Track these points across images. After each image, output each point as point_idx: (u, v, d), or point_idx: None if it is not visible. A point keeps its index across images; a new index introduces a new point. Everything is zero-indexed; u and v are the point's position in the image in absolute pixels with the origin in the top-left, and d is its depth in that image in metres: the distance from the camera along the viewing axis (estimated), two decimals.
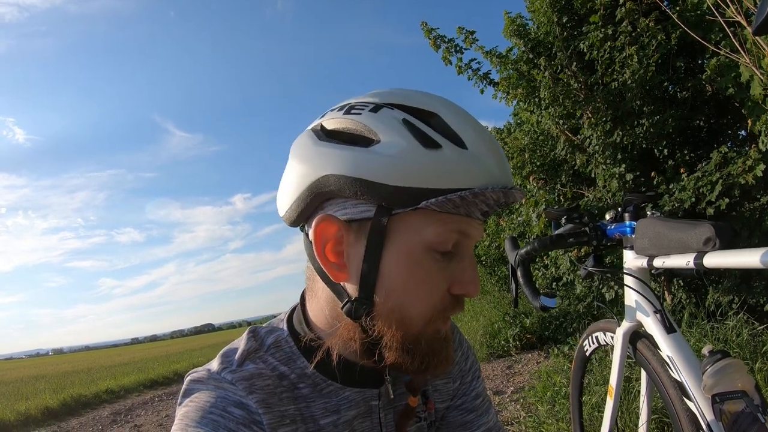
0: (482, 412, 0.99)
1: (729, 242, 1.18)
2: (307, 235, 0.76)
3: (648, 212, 1.59)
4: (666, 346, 1.42)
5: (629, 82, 4.29)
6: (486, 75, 5.53)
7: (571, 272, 5.09)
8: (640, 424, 1.84)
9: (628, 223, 1.64)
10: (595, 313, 5.59)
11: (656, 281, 4.34)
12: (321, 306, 0.77)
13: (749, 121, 3.53)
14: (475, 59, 5.50)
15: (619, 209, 1.72)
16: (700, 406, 1.26)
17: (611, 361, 1.75)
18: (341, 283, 0.71)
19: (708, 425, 1.22)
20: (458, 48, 5.44)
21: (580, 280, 5.03)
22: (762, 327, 3.40)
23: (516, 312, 6.98)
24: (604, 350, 3.83)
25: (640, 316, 1.57)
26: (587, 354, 2.01)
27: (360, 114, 0.70)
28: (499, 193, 0.66)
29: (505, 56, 5.42)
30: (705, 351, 1.26)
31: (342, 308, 0.71)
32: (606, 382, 3.32)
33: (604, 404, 2.21)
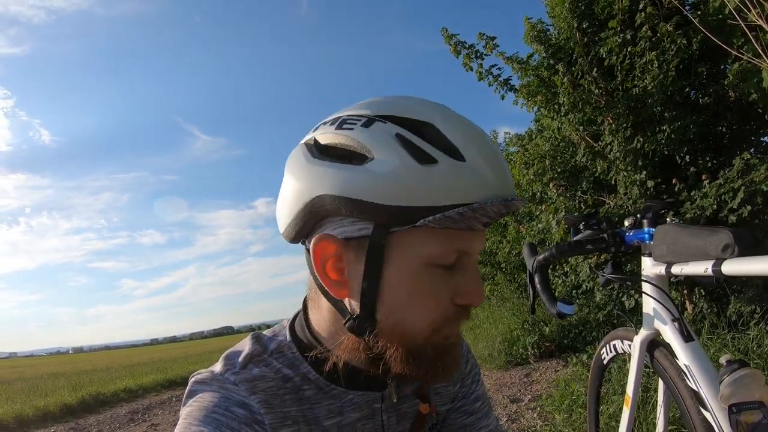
0: (482, 416, 0.99)
1: (749, 249, 1.16)
2: (308, 249, 0.75)
3: (668, 219, 1.57)
4: (683, 355, 1.40)
5: (650, 87, 4.25)
6: (507, 81, 5.53)
7: (590, 280, 5.04)
8: None
9: (646, 229, 1.62)
10: (615, 321, 5.52)
11: (677, 290, 4.28)
12: (324, 318, 0.78)
13: None
14: (496, 65, 5.50)
15: (638, 216, 1.70)
16: (716, 416, 1.23)
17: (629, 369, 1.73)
18: (343, 300, 0.72)
19: None
20: (479, 54, 5.45)
21: (600, 288, 4.97)
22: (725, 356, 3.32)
23: (535, 319, 6.90)
24: (623, 359, 3.80)
25: (658, 325, 1.55)
26: (605, 362, 1.99)
27: (352, 129, 0.68)
28: (499, 206, 0.64)
29: (526, 62, 5.42)
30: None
31: (345, 324, 0.71)
32: (624, 391, 3.29)
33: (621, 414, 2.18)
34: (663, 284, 1.56)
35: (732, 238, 1.17)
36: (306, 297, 0.84)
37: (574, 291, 6.19)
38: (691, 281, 1.53)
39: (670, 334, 1.47)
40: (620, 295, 4.69)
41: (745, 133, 4.74)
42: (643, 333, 1.63)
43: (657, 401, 1.81)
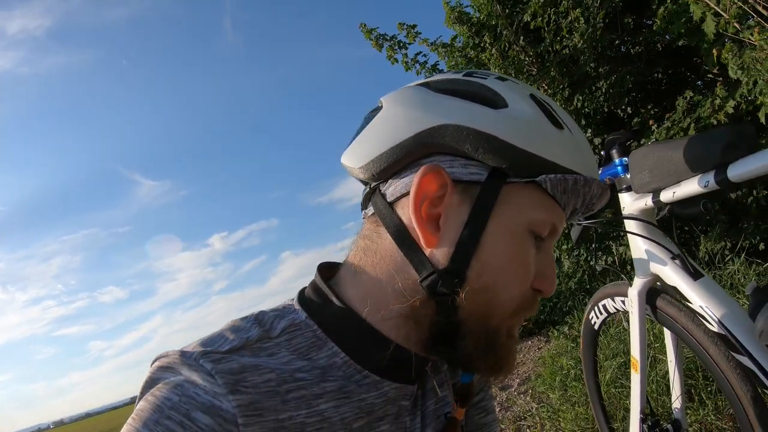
0: (496, 417, 0.87)
1: (754, 147, 0.94)
2: (382, 194, 0.66)
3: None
4: (696, 296, 1.16)
5: (580, 45, 4.18)
6: (434, 66, 5.39)
7: (554, 249, 4.89)
8: (673, 397, 1.57)
9: (618, 161, 1.39)
10: (588, 287, 5.39)
11: None
12: (379, 281, 0.64)
13: (714, 56, 3.36)
14: (421, 53, 5.37)
15: (602, 153, 1.48)
16: (757, 358, 1.00)
17: (628, 329, 1.49)
18: (428, 251, 0.62)
19: None
20: (402, 44, 5.31)
21: (567, 256, 4.84)
22: (752, 281, 3.19)
23: None
24: (608, 322, 3.59)
25: (655, 268, 1.31)
26: (596, 327, 1.75)
27: (485, 78, 0.66)
28: (599, 189, 0.66)
29: (451, 45, 5.34)
30: (749, 290, 1.01)
31: (421, 281, 0.61)
32: (616, 355, 3.08)
33: (621, 380, 1.94)
34: (651, 218, 1.33)
35: (734, 135, 0.94)
36: (322, 267, 0.72)
37: None
38: (666, 221, 1.33)
39: (673, 275, 1.23)
40: (589, 259, 4.58)
41: (682, 75, 4.72)
42: (638, 282, 1.39)
43: (664, 359, 1.58)
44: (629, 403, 1.56)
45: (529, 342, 5.75)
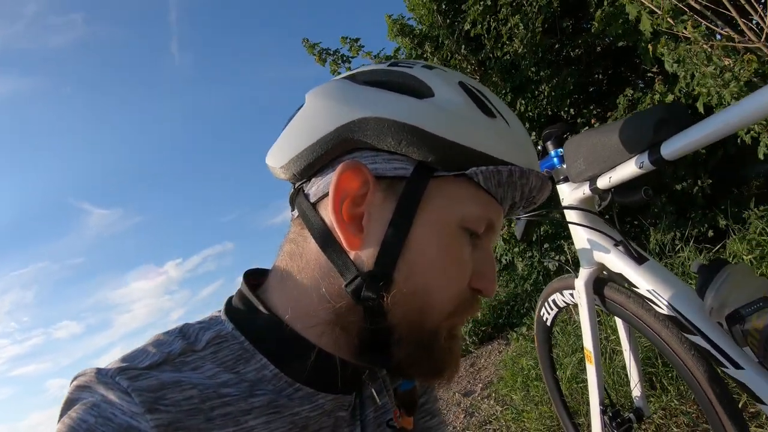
0: (442, 420, 0.83)
1: (687, 124, 0.92)
2: (305, 195, 0.63)
3: None
4: (642, 280, 1.14)
5: (520, 50, 4.32)
6: None
7: (507, 252, 4.92)
8: (632, 384, 1.56)
9: (553, 152, 1.38)
10: (543, 288, 5.43)
11: None
12: (305, 287, 0.61)
13: (650, 51, 3.45)
14: (364, 65, 5.43)
15: (539, 147, 1.46)
16: (710, 337, 0.98)
17: (578, 322, 1.46)
18: (352, 253, 0.58)
19: (730, 357, 0.94)
20: (345, 58, 5.39)
21: (520, 260, 4.88)
22: (717, 248, 3.28)
23: None
24: (564, 319, 3.60)
25: (599, 257, 1.29)
26: (548, 323, 1.73)
27: (411, 67, 0.64)
28: (539, 180, 0.62)
29: (394, 57, 5.42)
30: (694, 268, 0.99)
31: (346, 285, 0.57)
32: (575, 350, 3.08)
33: (582, 375, 1.92)
34: (591, 207, 1.31)
35: (666, 112, 0.93)
36: (248, 274, 0.69)
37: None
38: (611, 213, 1.32)
39: (617, 261, 1.21)
40: (542, 260, 4.62)
41: (622, 75, 4.90)
42: (584, 273, 1.37)
43: (618, 349, 1.57)
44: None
45: (490, 346, 5.75)
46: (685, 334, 1.04)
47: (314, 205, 0.62)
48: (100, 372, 0.51)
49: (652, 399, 2.27)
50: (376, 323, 0.58)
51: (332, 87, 0.64)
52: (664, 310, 1.08)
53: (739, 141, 3.24)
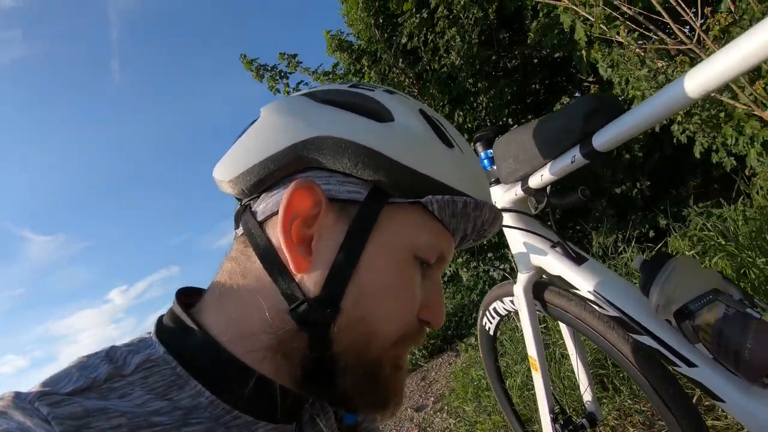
0: None
1: (619, 113, 0.87)
2: (253, 212, 0.60)
3: None
4: (583, 281, 1.08)
5: (457, 62, 4.36)
6: None
7: (450, 264, 4.91)
8: (582, 389, 1.50)
9: (483, 154, 1.31)
10: None
11: None
12: (245, 308, 0.57)
13: (585, 56, 3.50)
14: (303, 81, 5.41)
15: None
16: (659, 336, 0.92)
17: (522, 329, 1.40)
18: (298, 276, 0.55)
19: (681, 355, 0.89)
20: (283, 74, 5.32)
21: (465, 270, 4.88)
22: (659, 247, 3.33)
23: None
24: (512, 327, 3.58)
25: (536, 260, 1.23)
26: (491, 333, 1.66)
27: (372, 91, 0.63)
28: (492, 213, 0.63)
29: (332, 72, 5.41)
30: (636, 265, 0.93)
31: (291, 310, 0.54)
32: (524, 358, 3.04)
33: (533, 383, 1.87)
34: (524, 208, 1.25)
35: (597, 102, 0.88)
36: (181, 293, 0.63)
37: (441, 279, 6.07)
38: (547, 214, 1.27)
39: (555, 263, 1.15)
40: (486, 270, 4.65)
41: (558, 84, 5.06)
42: (522, 278, 1.31)
43: (566, 354, 1.52)
44: None
45: (440, 359, 5.72)
46: (632, 335, 0.98)
47: (261, 224, 0.59)
48: (18, 396, 0.46)
49: (605, 401, 2.24)
50: (320, 351, 0.55)
51: (290, 102, 0.62)
52: (608, 311, 1.02)
53: (675, 141, 3.32)
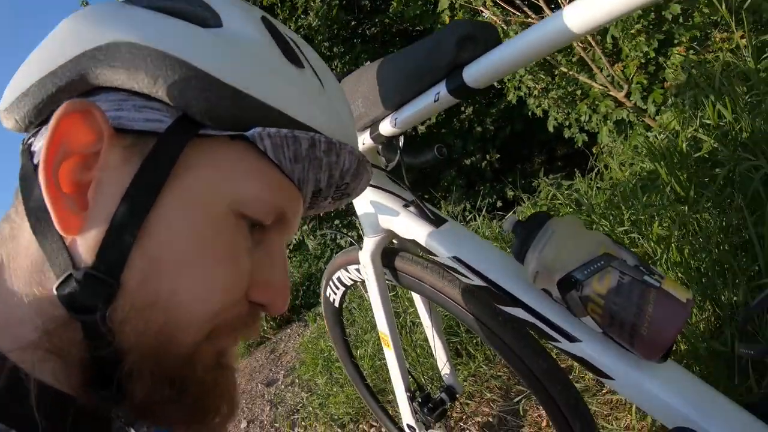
0: None
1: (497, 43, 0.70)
2: (31, 153, 0.44)
3: None
4: (442, 246, 0.90)
5: (315, 23, 4.32)
6: None
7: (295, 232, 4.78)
8: (440, 365, 1.36)
9: None
10: None
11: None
12: (13, 288, 0.42)
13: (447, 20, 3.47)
14: None
15: None
16: (534, 308, 0.77)
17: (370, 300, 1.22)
18: (68, 239, 0.40)
19: (561, 330, 0.74)
20: None
21: (311, 238, 4.75)
22: (510, 214, 3.34)
23: None
24: (360, 294, 3.46)
25: (386, 221, 1.03)
26: (336, 305, 1.47)
27: None
28: (354, 160, 0.49)
29: None
30: (508, 227, 0.77)
31: (56, 288, 0.39)
32: (375, 327, 2.92)
33: (383, 352, 1.73)
34: (373, 160, 1.04)
35: (472, 27, 0.70)
36: None
37: (287, 249, 5.90)
38: (399, 170, 1.12)
39: (409, 225, 0.96)
40: (333, 237, 4.55)
41: None
42: (369, 243, 1.11)
43: (424, 325, 1.37)
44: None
45: (288, 330, 5.56)
46: (501, 307, 0.82)
47: (36, 168, 0.41)
48: None
49: (459, 367, 2.17)
50: (98, 347, 0.40)
51: (96, 7, 0.46)
52: (473, 281, 0.85)
53: (530, 113, 3.41)
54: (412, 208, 0.97)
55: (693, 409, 0.66)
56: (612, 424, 1.49)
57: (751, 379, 1.20)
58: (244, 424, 3.46)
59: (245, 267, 0.46)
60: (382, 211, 1.03)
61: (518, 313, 0.79)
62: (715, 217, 1.52)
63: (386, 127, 0.89)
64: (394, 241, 1.15)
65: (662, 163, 1.76)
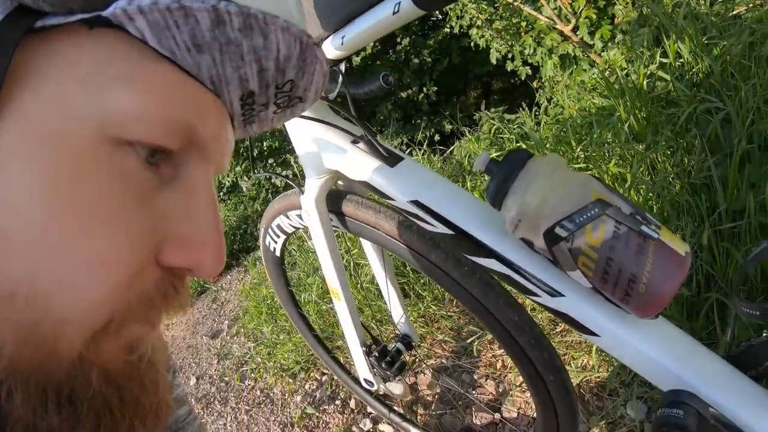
0: (187, 425, 0.65)
1: None
2: None
3: None
4: (397, 189, 0.77)
5: None
6: None
7: (228, 173, 4.51)
8: (395, 315, 1.26)
9: None
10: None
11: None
12: None
13: None
14: None
15: None
16: (511, 259, 0.67)
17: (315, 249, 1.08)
18: None
19: (542, 283, 0.64)
20: None
21: (245, 180, 4.55)
22: (452, 150, 3.24)
23: None
24: (300, 235, 3.33)
25: (331, 161, 0.89)
26: (277, 254, 1.32)
27: None
28: (294, 43, 0.34)
29: None
30: (480, 165, 0.64)
31: None
32: (318, 269, 2.79)
33: (328, 296, 1.64)
34: None
35: None
36: None
37: (219, 193, 5.65)
38: (348, 103, 0.98)
39: (358, 165, 0.82)
40: (269, 178, 4.37)
41: None
42: (312, 186, 0.96)
43: (376, 275, 1.26)
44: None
45: (229, 276, 5.37)
46: (472, 258, 0.71)
47: None
48: None
49: (408, 309, 2.08)
50: None
51: None
52: (436, 228, 0.73)
53: (472, 44, 3.30)
54: (361, 145, 0.82)
55: (687, 370, 0.60)
56: (570, 365, 1.45)
57: (716, 324, 1.17)
58: (193, 381, 3.34)
59: (142, 221, 0.32)
60: (326, 149, 0.88)
61: (492, 264, 0.68)
62: (674, 157, 1.46)
63: (329, 49, 0.74)
64: (340, 182, 1.01)
65: (620, 100, 1.69)
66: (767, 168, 1.16)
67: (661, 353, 0.61)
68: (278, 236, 1.25)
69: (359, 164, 0.82)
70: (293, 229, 1.18)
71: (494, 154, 2.27)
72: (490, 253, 0.67)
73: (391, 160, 0.78)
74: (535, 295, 0.65)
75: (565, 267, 0.57)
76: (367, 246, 1.20)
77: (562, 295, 0.63)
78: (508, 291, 0.79)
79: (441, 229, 0.72)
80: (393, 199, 0.77)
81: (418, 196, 0.73)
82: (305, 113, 0.85)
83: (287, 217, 1.14)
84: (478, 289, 0.78)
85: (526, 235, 0.59)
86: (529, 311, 1.54)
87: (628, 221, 0.54)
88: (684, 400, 0.58)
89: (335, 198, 0.97)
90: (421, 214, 0.74)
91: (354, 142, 0.84)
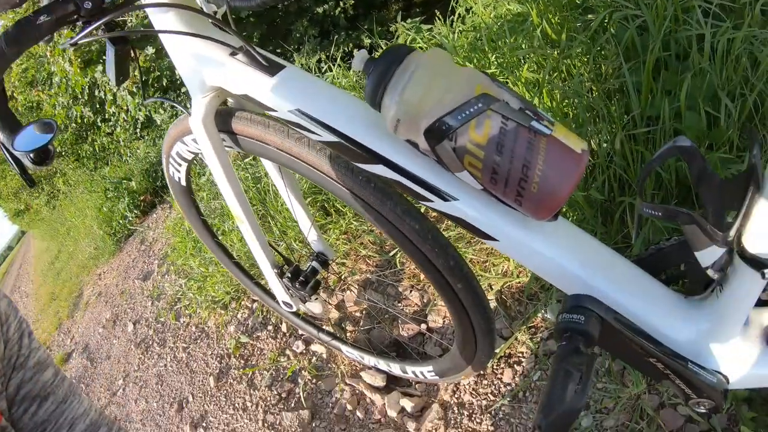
0: (60, 396, 0.66)
1: None
2: None
3: None
4: (280, 98, 0.72)
5: None
6: None
7: (139, 107, 4.27)
8: (305, 232, 1.24)
9: None
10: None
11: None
12: None
13: None
14: None
15: None
16: (398, 163, 0.65)
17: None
18: None
19: (434, 188, 0.63)
20: None
21: (160, 113, 4.32)
22: (359, 50, 3.14)
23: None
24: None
25: (213, 77, 0.82)
26: (183, 183, 1.25)
27: None
28: None
29: None
30: (358, 66, 0.61)
31: None
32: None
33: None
34: (189, 2, 0.81)
35: None
36: None
37: (135, 130, 5.36)
38: (227, 18, 0.90)
39: (239, 78, 0.77)
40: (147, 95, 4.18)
41: None
42: (198, 106, 0.89)
43: (279, 192, 1.22)
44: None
45: (154, 215, 5.19)
46: (359, 165, 0.68)
47: None
48: None
49: (330, 227, 2.07)
50: None
51: None
52: (322, 137, 0.70)
53: None
54: (240, 56, 0.77)
55: (591, 273, 0.60)
56: (490, 272, 1.47)
57: (629, 228, 1.19)
58: (130, 327, 3.28)
59: None
60: (206, 65, 0.82)
61: (379, 170, 0.66)
62: (588, 63, 1.44)
63: None
64: (230, 100, 0.96)
65: (533, 4, 1.65)
66: (684, 76, 1.16)
67: (562, 256, 0.61)
68: (180, 164, 1.18)
69: (239, 76, 0.76)
70: (192, 155, 1.12)
71: None
72: (376, 158, 0.65)
73: (271, 69, 0.73)
74: (427, 200, 0.64)
75: (452, 168, 0.56)
76: (268, 165, 1.16)
77: (456, 199, 0.62)
78: (407, 199, 0.77)
79: (327, 137, 0.69)
80: (275, 110, 0.73)
81: (300, 104, 0.69)
82: (184, 28, 0.79)
83: (184, 143, 1.08)
84: (375, 198, 0.76)
85: (408, 136, 0.56)
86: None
87: (517, 116, 0.51)
88: (585, 304, 0.58)
89: (225, 117, 0.91)
90: (304, 123, 0.70)
91: (233, 54, 0.78)
